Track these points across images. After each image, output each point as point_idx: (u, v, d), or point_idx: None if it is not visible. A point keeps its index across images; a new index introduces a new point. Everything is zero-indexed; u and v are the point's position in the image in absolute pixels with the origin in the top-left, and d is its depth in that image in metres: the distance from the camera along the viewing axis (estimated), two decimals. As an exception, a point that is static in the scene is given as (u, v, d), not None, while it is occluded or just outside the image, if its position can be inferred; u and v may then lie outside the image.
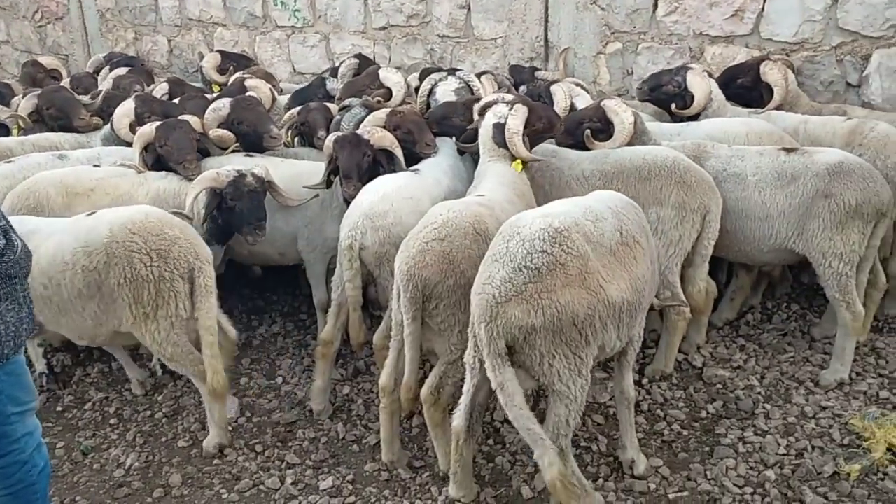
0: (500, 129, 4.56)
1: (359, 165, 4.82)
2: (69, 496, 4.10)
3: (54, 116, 6.35)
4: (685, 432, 4.45)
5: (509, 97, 4.87)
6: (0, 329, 2.87)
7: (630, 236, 3.63)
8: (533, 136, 4.68)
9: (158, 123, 5.28)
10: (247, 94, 6.06)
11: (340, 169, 4.85)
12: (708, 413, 4.62)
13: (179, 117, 5.46)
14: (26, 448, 3.13)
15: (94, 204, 4.89)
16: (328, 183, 5.02)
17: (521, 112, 4.58)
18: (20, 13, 10.63)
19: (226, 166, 4.87)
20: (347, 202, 4.71)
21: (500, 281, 3.27)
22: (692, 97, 5.80)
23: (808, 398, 4.69)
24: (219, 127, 5.47)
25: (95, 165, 5.32)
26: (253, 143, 5.50)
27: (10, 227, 2.94)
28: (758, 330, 5.54)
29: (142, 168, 5.16)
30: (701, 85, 5.77)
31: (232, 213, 4.77)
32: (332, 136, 5.03)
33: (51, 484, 3.40)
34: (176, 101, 6.42)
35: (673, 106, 5.90)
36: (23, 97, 6.74)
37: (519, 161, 4.56)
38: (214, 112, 5.50)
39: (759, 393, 4.78)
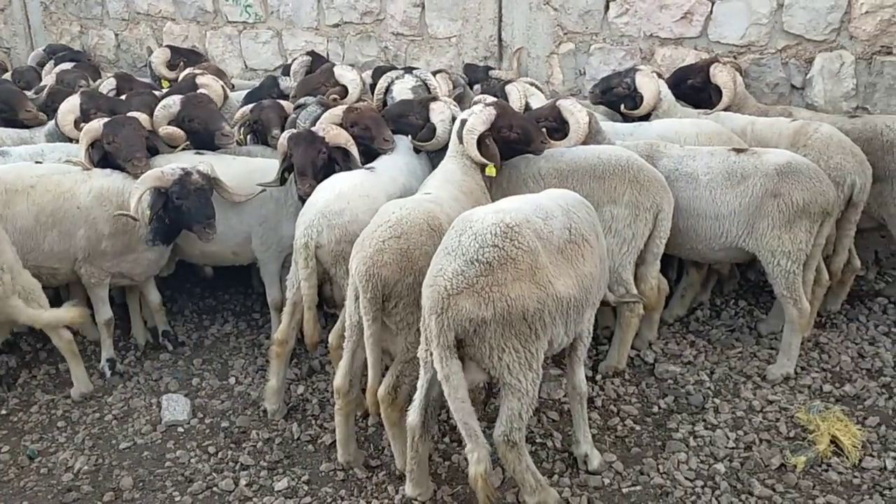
0: (463, 126, 4.58)
1: (313, 163, 4.79)
2: (16, 502, 3.99)
3: None
4: (638, 427, 4.52)
5: (491, 100, 4.90)
6: None
7: (579, 234, 3.69)
8: (504, 143, 4.68)
9: (106, 120, 5.17)
10: (198, 91, 5.95)
11: (295, 166, 4.81)
12: (660, 408, 4.71)
13: (127, 114, 5.34)
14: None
15: (35, 202, 4.79)
16: (282, 180, 4.97)
17: (485, 113, 4.60)
18: (-43, 4, 10.25)
19: (170, 165, 4.79)
20: (302, 200, 4.66)
21: (451, 273, 3.30)
22: (641, 98, 5.89)
23: (755, 392, 4.81)
24: (169, 124, 5.38)
25: (38, 162, 5.18)
26: (204, 140, 5.42)
27: None
28: (707, 326, 5.66)
29: (87, 165, 5.03)
30: (649, 86, 5.86)
31: (180, 213, 4.71)
32: (286, 134, 4.99)
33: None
34: (123, 97, 6.27)
35: (622, 107, 5.99)
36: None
37: (492, 166, 4.59)
38: (164, 109, 5.41)
39: (709, 388, 4.88)
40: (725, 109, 5.93)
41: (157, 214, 4.71)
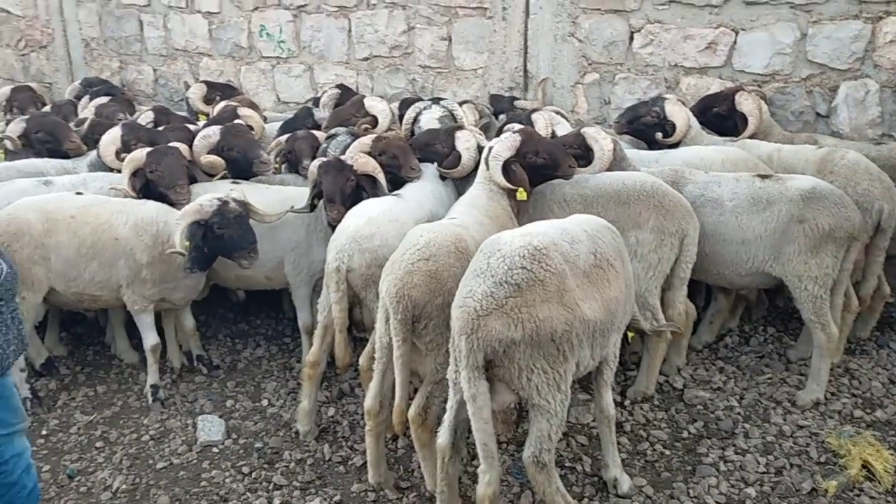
0: (489, 153, 4.69)
1: (342, 190, 4.92)
2: (55, 520, 4.09)
3: (43, 140, 6.36)
4: (668, 452, 4.53)
5: (518, 127, 4.99)
6: None
7: (604, 259, 3.74)
8: (531, 168, 4.75)
9: (149, 149, 5.33)
10: (237, 121, 6.13)
11: (325, 193, 4.94)
12: (689, 433, 4.71)
13: (168, 144, 5.52)
14: (15, 470, 3.14)
15: (75, 231, 4.93)
16: (312, 207, 5.10)
17: (510, 140, 4.71)
18: (3, 41, 10.65)
19: (206, 196, 4.91)
20: (332, 226, 4.78)
21: (481, 295, 3.37)
22: (673, 126, 5.94)
23: (785, 418, 4.80)
24: (208, 153, 5.53)
25: (78, 193, 5.32)
26: (242, 168, 5.57)
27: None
28: (736, 352, 5.66)
29: (131, 193, 5.19)
30: (680, 113, 5.93)
31: (222, 241, 4.81)
32: (316, 162, 5.13)
33: (38, 506, 3.39)
34: (160, 128, 6.46)
35: (659, 135, 5.99)
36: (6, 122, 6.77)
37: (522, 190, 4.68)
38: (205, 139, 5.56)
39: (739, 413, 4.88)
40: (751, 137, 5.99)
41: (196, 245, 4.82)
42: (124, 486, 4.34)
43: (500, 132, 5.05)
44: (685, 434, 4.71)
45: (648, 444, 4.61)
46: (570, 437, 4.63)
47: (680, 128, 5.91)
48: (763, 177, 5.00)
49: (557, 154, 4.84)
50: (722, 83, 6.65)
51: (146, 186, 5.26)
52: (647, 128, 6.10)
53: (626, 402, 5.00)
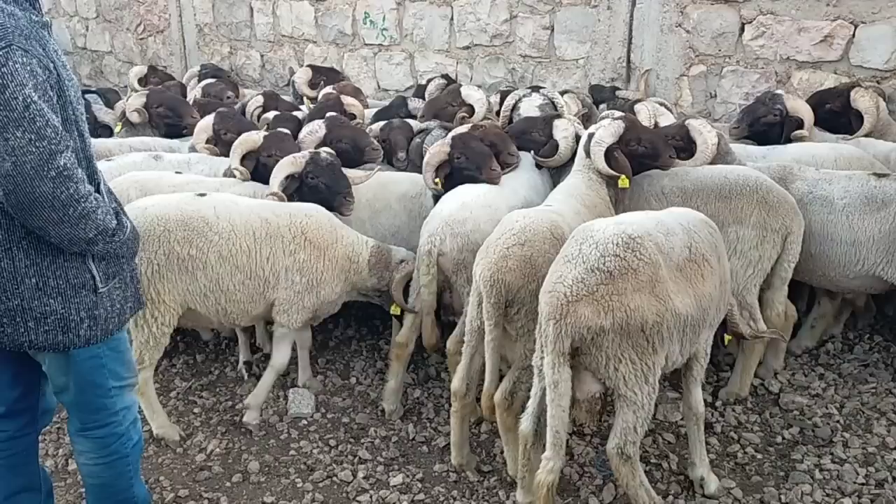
0: (591, 139, 4.63)
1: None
2: (153, 476, 4.30)
3: (162, 115, 6.59)
4: (759, 456, 4.38)
5: (619, 114, 4.93)
6: (107, 305, 3.03)
7: (699, 254, 3.64)
8: (631, 157, 4.68)
9: (266, 133, 5.42)
10: (344, 109, 6.25)
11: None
12: (784, 438, 4.53)
13: (278, 130, 5.64)
14: (123, 421, 3.29)
15: None
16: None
17: (613, 126, 4.64)
18: (124, 26, 11.25)
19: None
20: (435, 198, 4.86)
21: (571, 280, 3.33)
22: (798, 122, 5.66)
23: (889, 429, 4.55)
24: (317, 147, 5.47)
25: (178, 172, 5.41)
26: (352, 158, 5.53)
27: (121, 209, 3.14)
28: (838, 359, 5.40)
29: (245, 176, 5.22)
30: (804, 108, 5.67)
31: (318, 191, 4.89)
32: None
33: (140, 458, 3.56)
34: (268, 114, 6.57)
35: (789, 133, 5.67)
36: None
37: (625, 178, 4.62)
38: (311, 134, 5.56)
39: (838, 422, 4.66)
40: (866, 136, 5.69)
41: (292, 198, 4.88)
42: (218, 450, 4.52)
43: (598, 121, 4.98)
44: (779, 439, 4.53)
45: (739, 446, 4.46)
46: (657, 434, 4.53)
47: (807, 122, 5.63)
48: (879, 175, 4.75)
49: (658, 144, 4.75)
50: (837, 78, 6.35)
51: (256, 170, 5.30)
52: (769, 128, 5.79)
53: (718, 404, 4.85)
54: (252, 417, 4.74)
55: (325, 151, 4.93)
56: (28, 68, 2.61)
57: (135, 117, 6.56)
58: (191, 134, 6.35)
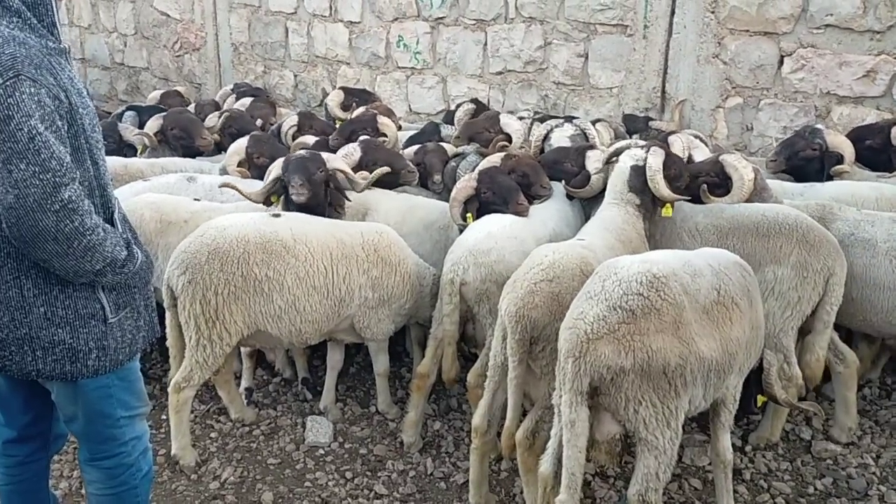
0: (638, 171, 4.54)
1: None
2: (166, 503, 4.23)
3: (177, 136, 6.67)
4: (790, 507, 4.21)
5: (642, 143, 4.86)
6: (117, 335, 2.98)
7: (728, 297, 3.51)
8: (667, 181, 4.61)
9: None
10: (378, 128, 6.26)
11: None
12: (816, 489, 4.35)
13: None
14: (133, 452, 3.24)
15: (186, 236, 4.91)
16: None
17: (660, 153, 4.58)
18: (161, 43, 11.38)
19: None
20: (461, 230, 4.79)
21: (592, 318, 3.23)
22: (839, 157, 5.49)
23: (928, 484, 4.36)
24: (353, 170, 5.38)
25: (196, 199, 5.31)
26: (388, 180, 5.48)
27: (134, 238, 3.08)
28: (875, 406, 5.20)
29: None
30: (845, 143, 5.51)
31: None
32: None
33: (151, 488, 3.50)
34: (303, 138, 6.51)
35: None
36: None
37: (668, 206, 4.55)
38: (348, 157, 5.49)
39: (874, 473, 4.47)
40: (909, 174, 5.52)
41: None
42: (232, 478, 4.45)
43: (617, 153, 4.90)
44: (811, 490, 4.35)
45: (769, 496, 4.29)
46: (682, 479, 4.38)
47: (848, 158, 5.48)
48: (923, 218, 4.58)
49: (682, 165, 4.79)
50: (879, 114, 6.18)
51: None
52: (808, 162, 5.61)
53: (748, 448, 4.69)
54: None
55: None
56: (35, 98, 2.56)
57: (146, 141, 6.65)
58: (203, 154, 6.50)
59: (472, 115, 7.07)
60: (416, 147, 6.05)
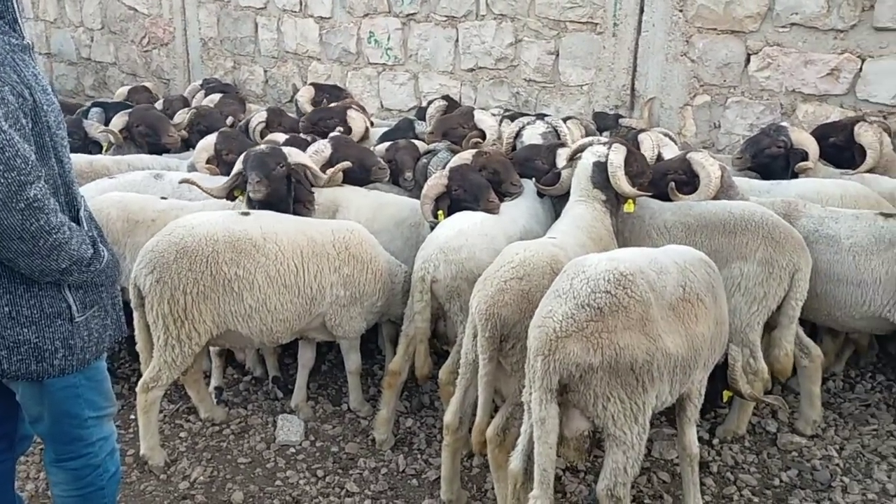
0: (600, 167, 4.59)
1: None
2: (135, 503, 4.19)
3: (143, 133, 6.60)
4: (756, 499, 4.27)
5: (604, 139, 4.90)
6: (84, 334, 2.95)
7: (693, 293, 3.56)
8: (629, 177, 4.66)
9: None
10: (346, 122, 6.25)
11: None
12: (781, 481, 4.43)
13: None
14: (100, 453, 3.20)
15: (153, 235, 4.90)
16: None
17: (621, 150, 4.63)
18: (129, 38, 11.24)
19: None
20: (432, 227, 4.80)
21: (561, 316, 3.25)
22: (803, 154, 5.59)
23: (890, 475, 4.45)
24: (322, 168, 5.35)
25: (163, 198, 5.26)
26: (358, 177, 5.49)
27: (100, 236, 3.04)
28: (839, 398, 5.30)
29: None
30: (809, 141, 5.61)
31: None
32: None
33: (119, 489, 3.46)
34: (273, 135, 6.41)
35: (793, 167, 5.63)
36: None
37: (630, 202, 4.60)
38: (318, 154, 5.46)
39: (838, 465, 4.56)
40: (870, 171, 5.62)
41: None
42: (202, 478, 4.41)
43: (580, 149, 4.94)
44: (776, 482, 4.43)
45: (735, 488, 4.36)
46: (651, 473, 4.43)
47: (812, 155, 5.58)
48: (886, 215, 4.67)
49: (644, 162, 4.89)
50: (843, 112, 6.31)
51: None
52: (773, 160, 5.72)
53: (715, 441, 4.75)
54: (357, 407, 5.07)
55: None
56: None
57: (111, 138, 6.56)
58: (170, 151, 6.45)
59: (444, 111, 7.08)
60: (387, 144, 6.04)
